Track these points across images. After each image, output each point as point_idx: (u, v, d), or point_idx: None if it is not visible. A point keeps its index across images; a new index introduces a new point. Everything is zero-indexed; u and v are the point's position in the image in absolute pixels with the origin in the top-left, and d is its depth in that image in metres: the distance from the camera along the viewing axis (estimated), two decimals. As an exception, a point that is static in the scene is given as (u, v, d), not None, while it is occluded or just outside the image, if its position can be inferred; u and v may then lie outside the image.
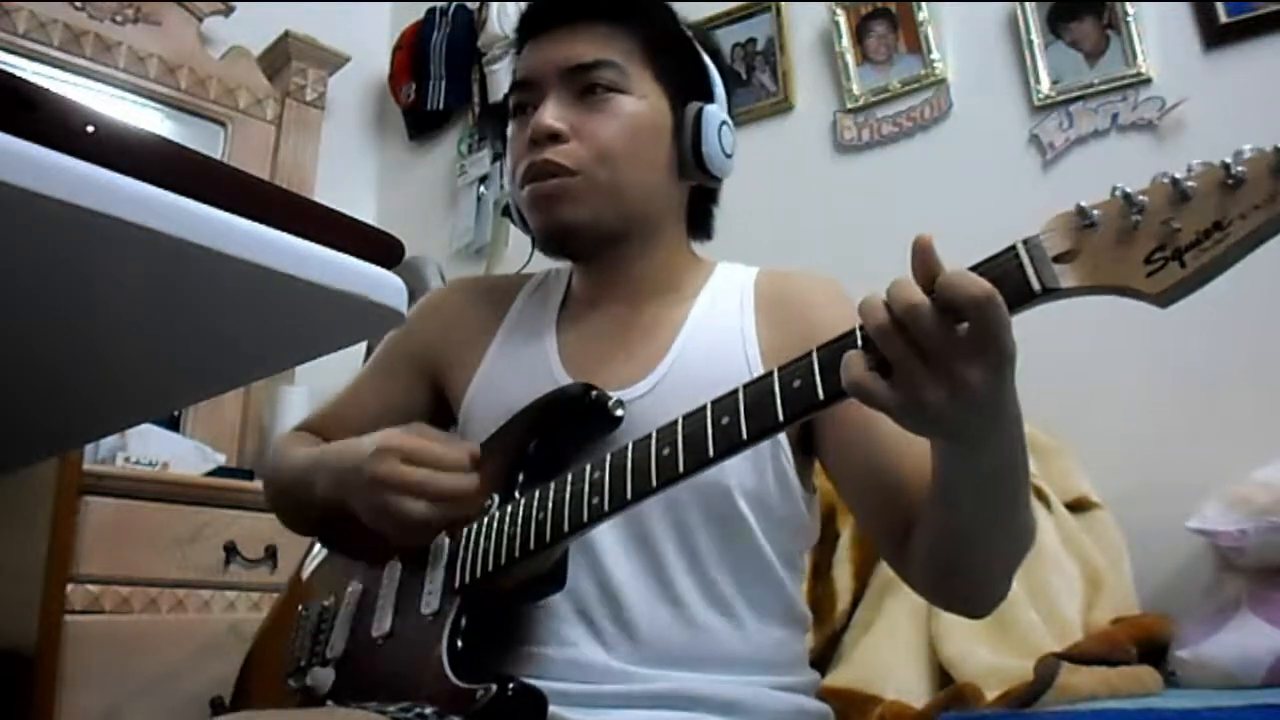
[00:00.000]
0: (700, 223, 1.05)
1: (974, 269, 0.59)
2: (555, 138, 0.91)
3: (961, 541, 0.75)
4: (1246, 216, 0.51)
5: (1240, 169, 0.52)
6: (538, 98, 0.94)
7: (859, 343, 0.62)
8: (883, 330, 0.59)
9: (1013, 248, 0.58)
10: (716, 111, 0.97)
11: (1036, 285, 0.57)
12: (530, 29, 0.99)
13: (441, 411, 1.06)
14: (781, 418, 0.66)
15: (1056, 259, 0.57)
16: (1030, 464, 1.42)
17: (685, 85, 0.97)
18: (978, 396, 0.59)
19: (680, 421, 0.73)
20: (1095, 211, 0.56)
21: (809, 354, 0.66)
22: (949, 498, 0.72)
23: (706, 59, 1.00)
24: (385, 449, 0.85)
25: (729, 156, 0.97)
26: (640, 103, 0.94)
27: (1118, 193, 0.56)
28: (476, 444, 0.89)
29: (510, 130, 0.99)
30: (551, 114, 0.92)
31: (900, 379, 0.59)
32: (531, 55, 0.97)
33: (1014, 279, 0.57)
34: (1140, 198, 0.55)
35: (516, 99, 0.98)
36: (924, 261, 0.59)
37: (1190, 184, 0.53)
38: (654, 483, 0.73)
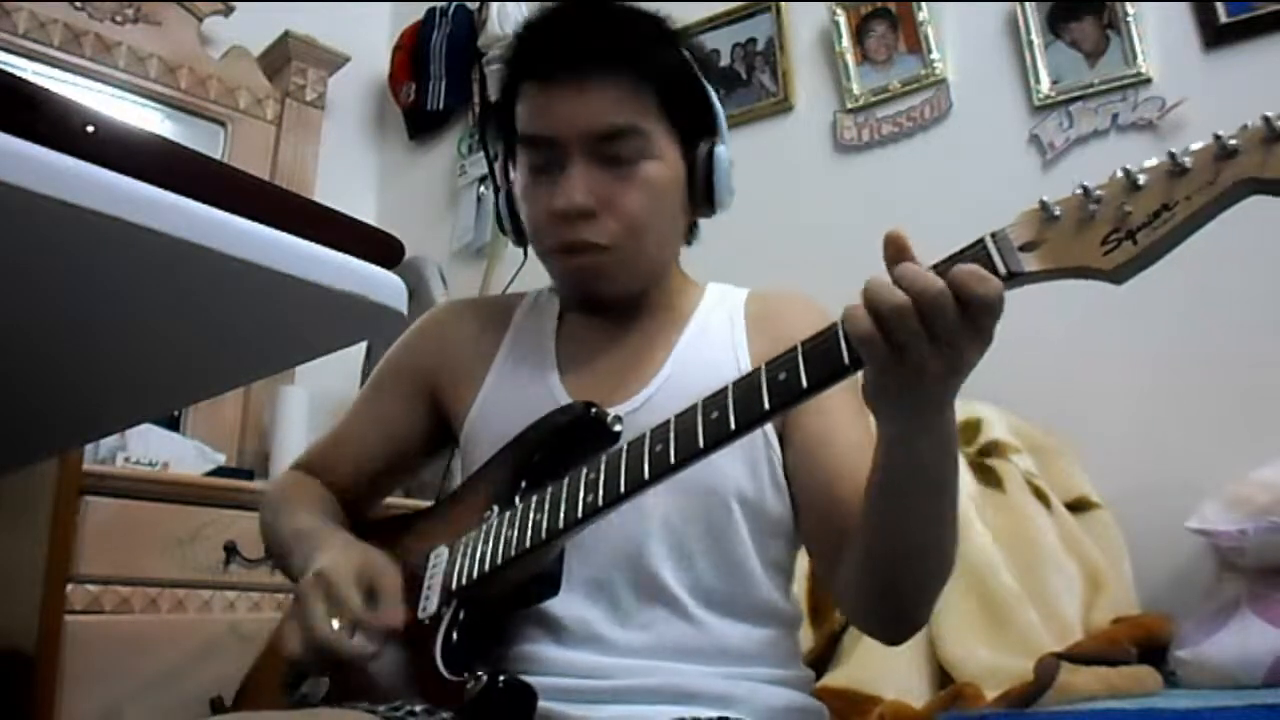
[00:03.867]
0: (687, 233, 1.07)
1: (947, 260, 0.63)
2: (585, 213, 0.91)
3: (894, 550, 0.77)
4: (1191, 198, 0.57)
5: (1186, 159, 0.57)
6: (558, 159, 0.92)
7: (840, 336, 0.66)
8: (899, 310, 0.61)
9: (981, 240, 0.63)
10: (724, 152, 0.98)
11: (1003, 270, 0.61)
12: (538, 71, 0.94)
13: (440, 434, 1.07)
14: (768, 407, 0.69)
15: (1022, 248, 0.62)
16: (1029, 464, 1.42)
17: (695, 124, 0.98)
18: (964, 370, 0.64)
19: (673, 420, 0.76)
20: (1057, 206, 0.61)
21: (794, 349, 0.69)
22: (892, 492, 0.74)
23: (708, 87, 0.99)
24: (316, 583, 0.83)
25: (732, 194, 1.00)
26: (661, 165, 0.94)
27: (1078, 189, 0.61)
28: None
29: (522, 176, 0.96)
30: (581, 190, 0.91)
31: (908, 352, 0.62)
32: (547, 110, 0.93)
33: (981, 266, 0.62)
34: (1098, 191, 0.60)
35: (532, 157, 0.94)
36: (899, 255, 0.63)
37: (1142, 174, 0.59)
38: (646, 476, 0.75)
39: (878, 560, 0.79)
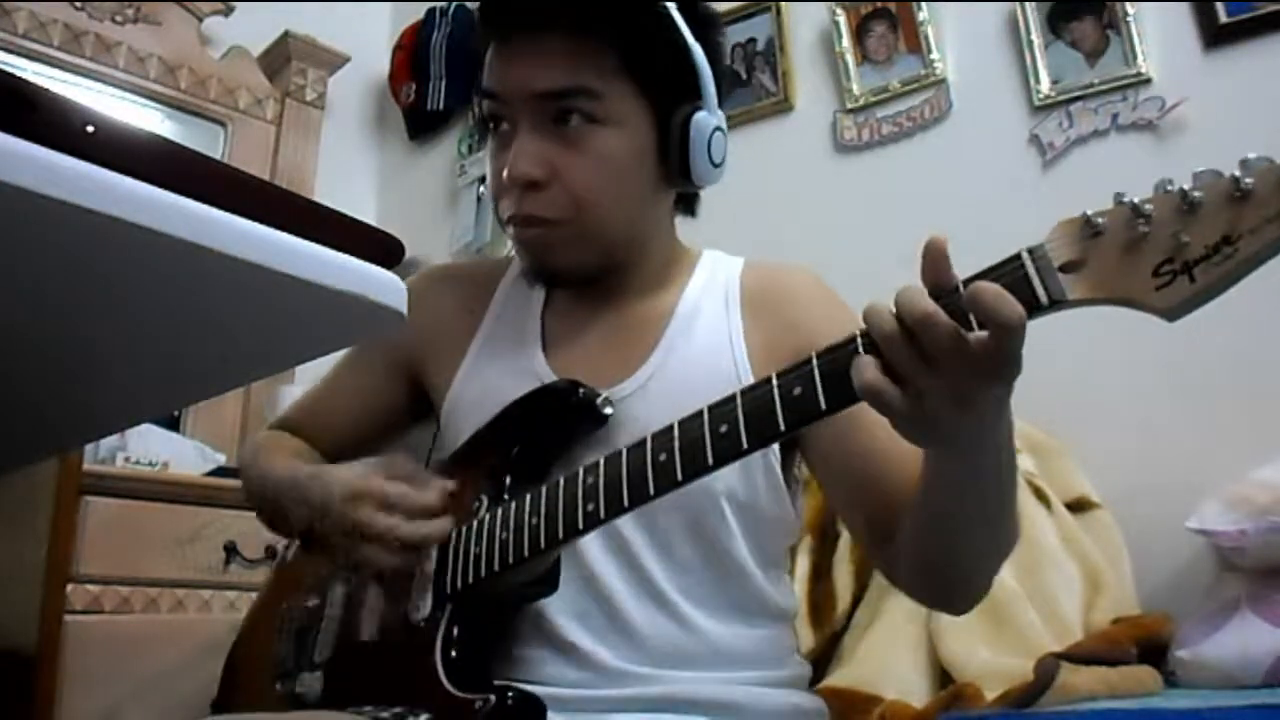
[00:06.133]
0: (686, 204, 1.00)
1: (976, 276, 0.58)
2: (532, 184, 0.87)
3: (948, 540, 0.75)
4: (1256, 230, 0.50)
5: (1249, 181, 0.50)
6: (509, 114, 0.89)
7: (859, 348, 0.62)
8: (891, 338, 0.58)
9: (1017, 257, 0.57)
10: (705, 119, 0.89)
11: (1044, 298, 0.56)
12: (494, 30, 0.91)
13: (420, 405, 1.05)
14: (783, 426, 0.66)
15: (1062, 269, 0.55)
16: (1029, 464, 1.42)
17: (670, 88, 0.89)
18: (983, 408, 0.59)
19: (677, 428, 0.72)
20: (1101, 220, 0.55)
21: (808, 361, 0.65)
22: (939, 500, 0.72)
23: (694, 44, 0.89)
24: (358, 494, 0.84)
25: (718, 165, 0.91)
26: (618, 134, 0.88)
27: (1124, 201, 0.54)
28: (446, 476, 0.89)
29: (489, 143, 0.94)
30: (527, 158, 0.86)
31: (909, 388, 0.58)
32: (500, 68, 0.89)
33: (1020, 291, 0.56)
34: (1147, 207, 0.53)
35: (489, 109, 0.91)
36: (936, 266, 0.58)
37: (1197, 194, 0.52)
38: (651, 490, 0.73)
39: (932, 549, 0.77)
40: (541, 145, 0.87)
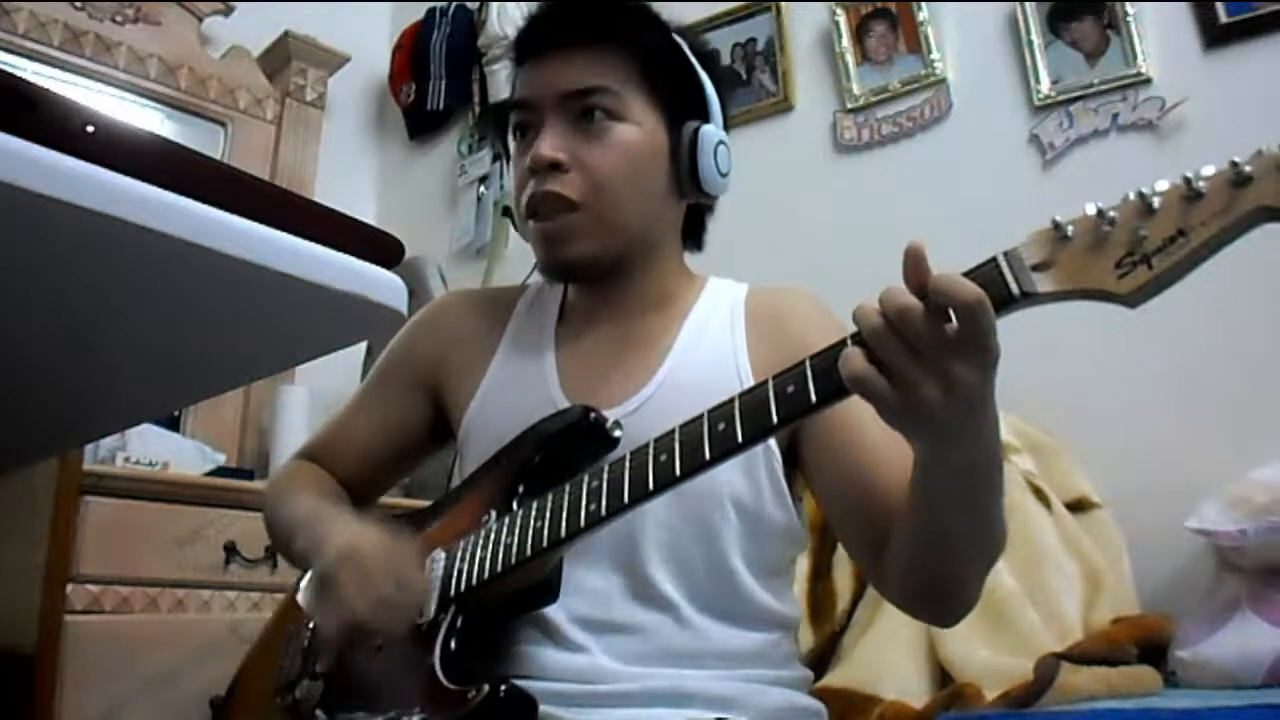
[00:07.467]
0: (693, 235, 1.06)
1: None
2: (555, 167, 0.93)
3: (941, 543, 0.76)
4: (1206, 224, 0.57)
5: (1201, 184, 0.57)
6: (536, 120, 0.96)
7: (848, 345, 0.65)
8: (877, 332, 0.61)
9: (993, 258, 0.62)
10: (713, 132, 0.97)
11: (1016, 290, 0.60)
12: (527, 50, 0.99)
13: (439, 428, 1.07)
14: (775, 420, 0.68)
15: (1034, 268, 0.61)
16: (1029, 464, 1.42)
17: (681, 104, 0.98)
18: (967, 393, 0.62)
19: (677, 430, 0.75)
20: (1069, 226, 0.61)
21: (802, 362, 0.68)
22: (930, 497, 0.73)
23: (701, 72, 1.00)
24: (344, 565, 0.86)
25: (725, 175, 0.98)
26: (636, 130, 0.95)
27: (1091, 209, 0.60)
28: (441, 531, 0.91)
29: (513, 150, 1.00)
30: (550, 144, 0.93)
31: (896, 378, 0.62)
32: (529, 77, 0.98)
33: (995, 286, 0.61)
34: (1111, 212, 0.59)
35: (516, 118, 0.99)
36: (915, 268, 0.62)
37: (1156, 198, 0.58)
38: (651, 487, 0.74)
39: (924, 553, 0.78)
40: (566, 136, 0.94)
